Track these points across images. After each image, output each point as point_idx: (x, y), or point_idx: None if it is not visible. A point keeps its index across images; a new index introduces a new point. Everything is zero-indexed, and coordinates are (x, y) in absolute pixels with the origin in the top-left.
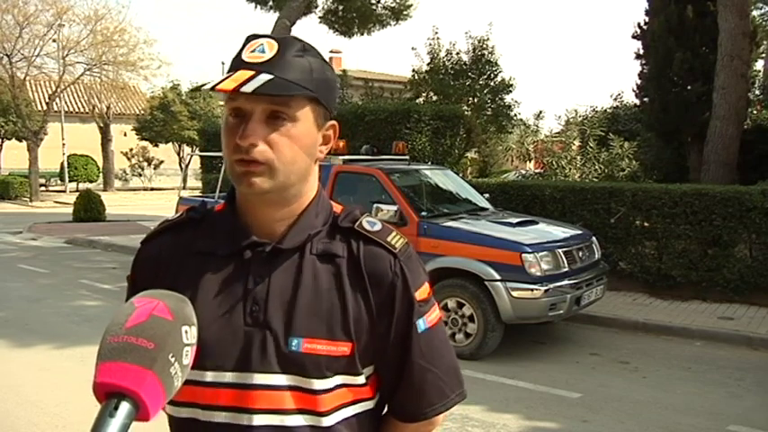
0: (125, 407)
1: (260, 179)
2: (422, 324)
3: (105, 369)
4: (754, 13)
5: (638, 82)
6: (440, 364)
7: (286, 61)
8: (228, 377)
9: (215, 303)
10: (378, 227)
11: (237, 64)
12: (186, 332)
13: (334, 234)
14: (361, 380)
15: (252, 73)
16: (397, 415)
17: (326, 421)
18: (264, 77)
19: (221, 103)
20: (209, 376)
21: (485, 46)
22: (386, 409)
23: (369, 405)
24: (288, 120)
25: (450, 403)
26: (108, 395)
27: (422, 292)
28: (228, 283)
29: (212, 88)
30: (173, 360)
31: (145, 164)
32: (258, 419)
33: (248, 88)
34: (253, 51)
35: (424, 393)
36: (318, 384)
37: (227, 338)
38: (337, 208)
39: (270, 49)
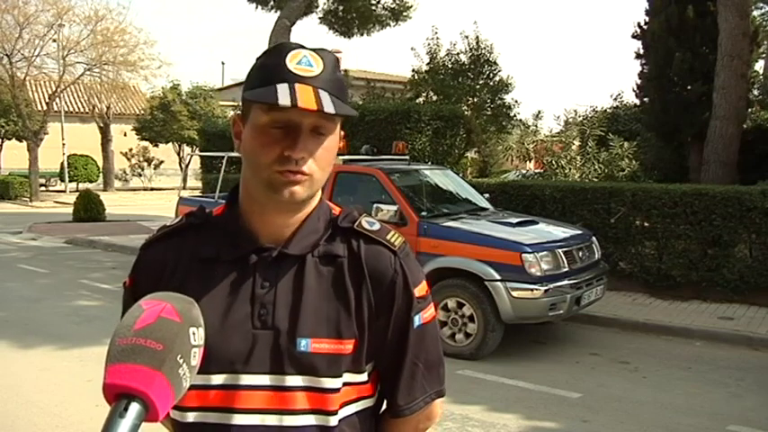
0: (135, 407)
1: (301, 188)
2: (417, 320)
3: (114, 370)
4: (754, 13)
5: (638, 82)
6: (427, 360)
7: (333, 77)
8: (238, 380)
9: (222, 308)
10: (377, 226)
11: (285, 74)
12: (194, 334)
13: (335, 235)
14: (363, 377)
15: (310, 89)
16: (389, 411)
17: (333, 420)
18: (327, 96)
19: (222, 103)
20: (218, 379)
21: (482, 45)
22: (383, 408)
23: (369, 402)
24: (327, 134)
25: (428, 398)
26: (117, 396)
27: (420, 289)
28: (235, 287)
29: (294, 105)
30: (181, 361)
31: (145, 164)
32: (269, 420)
33: (329, 109)
34: (299, 63)
35: (410, 389)
36: (329, 383)
37: (236, 342)
38: (335, 209)
39: (316, 63)
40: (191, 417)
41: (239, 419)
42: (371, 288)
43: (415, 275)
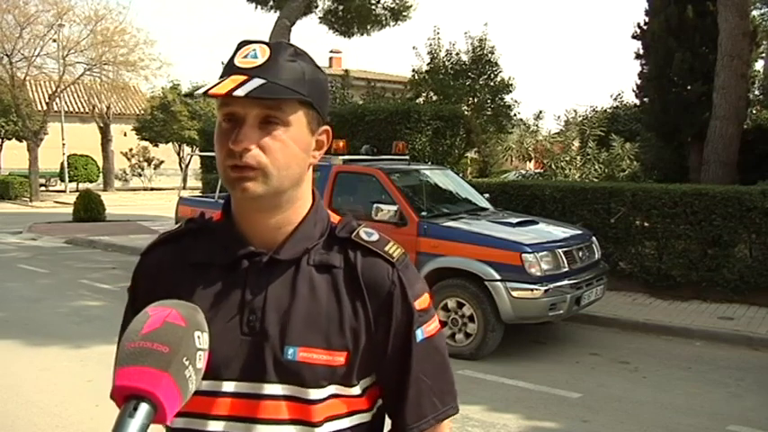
0: (144, 408)
1: (253, 184)
2: (420, 334)
3: (123, 373)
4: (754, 13)
5: (638, 82)
6: (434, 376)
7: (279, 66)
8: (225, 386)
9: (212, 313)
10: (375, 237)
11: (230, 69)
12: (199, 337)
13: (332, 245)
14: (355, 391)
15: (244, 78)
16: (395, 429)
17: (318, 431)
18: (257, 82)
19: None
20: (206, 385)
21: (484, 46)
22: (390, 426)
23: (365, 417)
24: (281, 124)
25: (441, 416)
26: (127, 398)
27: (421, 301)
28: (226, 293)
29: (205, 93)
30: (187, 363)
31: (145, 164)
32: (254, 429)
33: (241, 92)
34: (245, 57)
35: (419, 406)
36: (314, 394)
37: (224, 348)
38: (335, 218)
39: (262, 54)
40: (178, 422)
41: (220, 426)
42: (368, 300)
43: (415, 288)
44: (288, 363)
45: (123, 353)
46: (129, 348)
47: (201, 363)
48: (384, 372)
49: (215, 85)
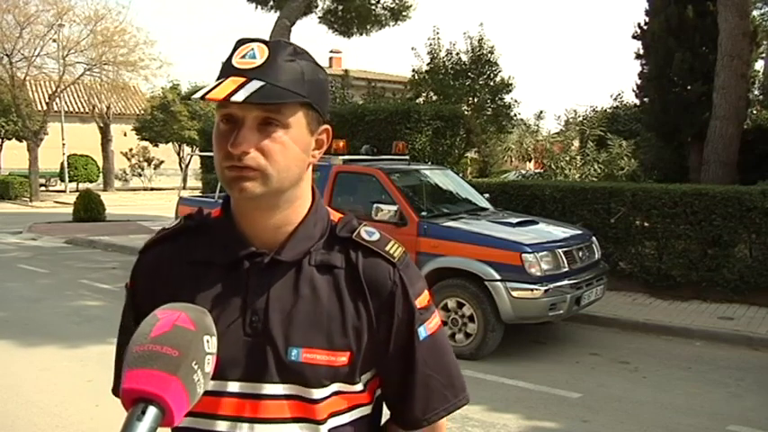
0: (152, 411)
1: (251, 184)
2: (423, 331)
3: (132, 376)
4: (754, 13)
5: (638, 82)
6: (441, 370)
7: (277, 66)
8: (229, 387)
9: (214, 314)
10: (376, 236)
11: (228, 70)
12: (207, 341)
13: (333, 244)
14: (358, 387)
15: (243, 80)
16: (400, 422)
17: (322, 429)
18: (255, 85)
19: None
20: (211, 385)
21: (483, 46)
22: (387, 417)
23: (366, 410)
24: (280, 126)
25: (452, 407)
26: (135, 401)
27: (422, 299)
28: (227, 293)
29: (203, 97)
30: (196, 367)
31: (145, 164)
32: (258, 428)
33: (239, 97)
34: (243, 57)
35: (427, 399)
36: (317, 393)
37: (227, 349)
38: (335, 216)
39: (260, 54)
40: (183, 422)
41: (225, 426)
42: (370, 300)
43: (416, 286)
44: (291, 364)
45: (132, 355)
46: (138, 351)
47: (210, 367)
48: (386, 368)
49: (213, 88)
